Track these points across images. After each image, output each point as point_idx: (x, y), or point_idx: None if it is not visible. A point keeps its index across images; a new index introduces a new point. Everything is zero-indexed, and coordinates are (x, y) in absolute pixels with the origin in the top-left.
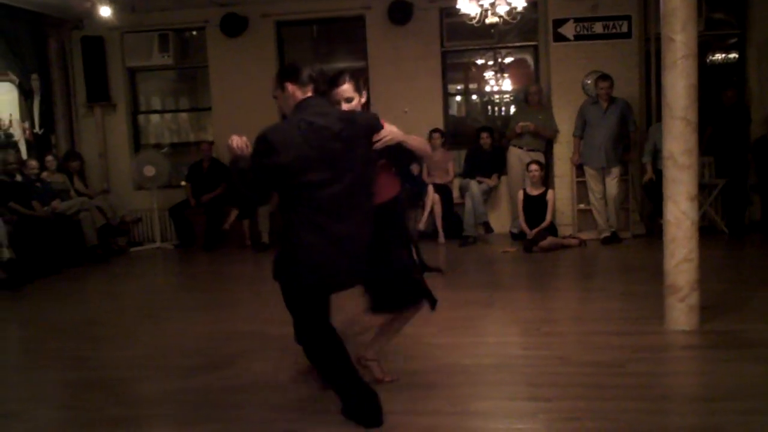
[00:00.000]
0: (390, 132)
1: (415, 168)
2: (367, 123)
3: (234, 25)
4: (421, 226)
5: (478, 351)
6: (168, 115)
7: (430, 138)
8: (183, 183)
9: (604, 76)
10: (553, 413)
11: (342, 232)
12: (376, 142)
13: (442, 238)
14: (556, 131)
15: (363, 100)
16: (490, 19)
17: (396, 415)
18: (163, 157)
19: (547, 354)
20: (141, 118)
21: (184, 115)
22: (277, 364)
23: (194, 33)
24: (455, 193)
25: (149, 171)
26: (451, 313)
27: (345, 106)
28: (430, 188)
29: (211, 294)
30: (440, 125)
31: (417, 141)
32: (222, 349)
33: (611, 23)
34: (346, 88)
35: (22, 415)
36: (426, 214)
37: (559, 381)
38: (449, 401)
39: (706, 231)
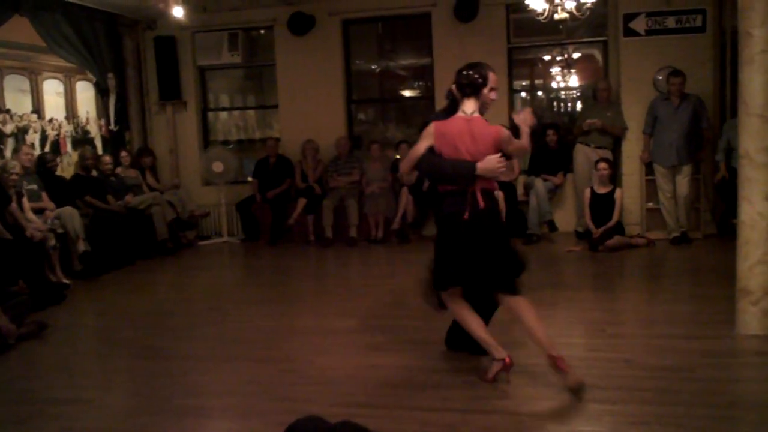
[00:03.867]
0: None
1: None
2: None
3: (301, 24)
4: None
5: (542, 351)
6: (236, 113)
7: None
8: (250, 179)
9: (676, 72)
10: (620, 416)
11: None
12: None
13: None
14: (625, 128)
15: None
16: (559, 15)
17: (459, 414)
18: (230, 154)
19: (612, 356)
20: (210, 115)
21: (251, 112)
22: (341, 359)
23: (262, 32)
24: (520, 191)
25: (217, 167)
26: None
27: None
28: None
29: (275, 288)
30: (505, 122)
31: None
32: (286, 342)
33: (685, 17)
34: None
35: (95, 401)
36: None
37: (626, 384)
38: (514, 402)
39: None
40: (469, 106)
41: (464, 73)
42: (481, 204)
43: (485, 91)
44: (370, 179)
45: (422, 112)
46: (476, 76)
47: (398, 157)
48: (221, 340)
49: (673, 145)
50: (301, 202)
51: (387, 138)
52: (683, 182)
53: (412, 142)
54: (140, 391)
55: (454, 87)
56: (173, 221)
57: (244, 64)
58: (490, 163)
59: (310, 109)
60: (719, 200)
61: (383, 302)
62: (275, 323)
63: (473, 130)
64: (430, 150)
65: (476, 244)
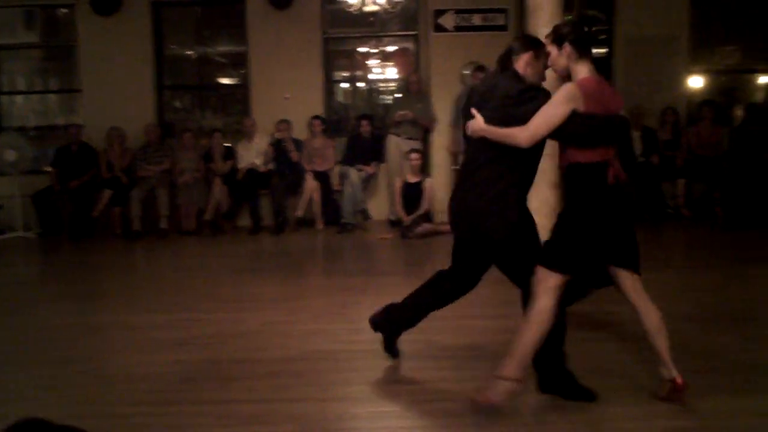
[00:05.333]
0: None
1: (294, 155)
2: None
3: (106, 3)
4: (300, 212)
5: (350, 337)
6: (34, 97)
7: (310, 125)
8: (48, 168)
9: (481, 67)
10: (417, 395)
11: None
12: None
13: (320, 225)
14: (435, 120)
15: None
16: (370, 7)
17: (262, 404)
18: (25, 141)
19: (415, 338)
20: (4, 98)
21: (52, 96)
22: (143, 356)
23: (64, 10)
24: (335, 180)
25: (10, 155)
26: (326, 300)
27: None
28: (309, 175)
29: (75, 285)
30: (321, 112)
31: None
32: (85, 341)
33: (489, 15)
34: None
35: None
36: (305, 200)
37: (424, 364)
38: (318, 388)
39: None
40: (589, 66)
41: (586, 29)
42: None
43: None
44: (183, 169)
45: (240, 101)
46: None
47: (211, 146)
48: (10, 343)
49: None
50: (107, 193)
51: (203, 126)
52: None
53: (228, 132)
54: None
55: (566, 45)
56: None
57: (43, 44)
58: None
59: (116, 94)
60: None
61: (192, 296)
62: (73, 321)
63: (612, 89)
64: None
65: (622, 218)
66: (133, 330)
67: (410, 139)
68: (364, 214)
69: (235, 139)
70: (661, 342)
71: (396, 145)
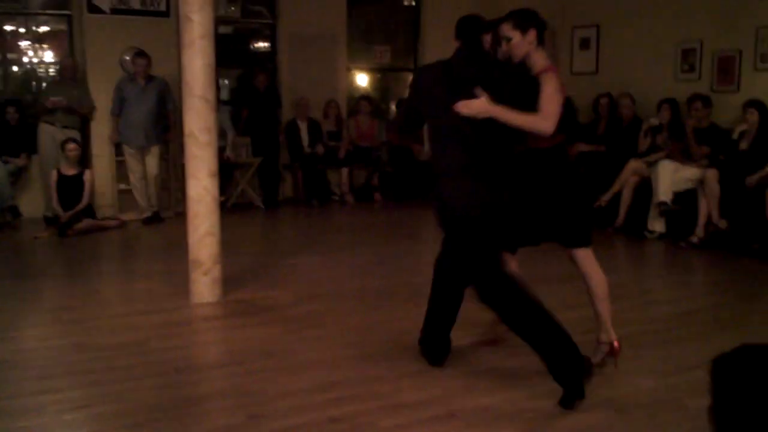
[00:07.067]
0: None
1: None
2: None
3: None
4: None
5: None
6: None
7: None
8: None
9: (141, 53)
10: (62, 404)
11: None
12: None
13: None
14: (93, 108)
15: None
16: None
17: None
18: None
19: (64, 343)
20: None
21: None
22: None
23: None
24: None
25: None
26: None
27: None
28: None
29: None
30: None
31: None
32: None
33: (149, 0)
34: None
35: None
36: None
37: (74, 369)
38: None
39: (244, 207)
40: (545, 54)
41: (542, 19)
42: None
43: None
44: None
45: None
46: None
47: None
48: None
49: (140, 126)
50: None
51: None
52: (152, 163)
53: None
54: None
55: (531, 32)
56: None
57: None
58: None
59: None
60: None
61: None
62: None
63: None
64: None
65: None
66: None
67: (66, 128)
68: (14, 211)
69: None
70: (604, 307)
71: (50, 134)
